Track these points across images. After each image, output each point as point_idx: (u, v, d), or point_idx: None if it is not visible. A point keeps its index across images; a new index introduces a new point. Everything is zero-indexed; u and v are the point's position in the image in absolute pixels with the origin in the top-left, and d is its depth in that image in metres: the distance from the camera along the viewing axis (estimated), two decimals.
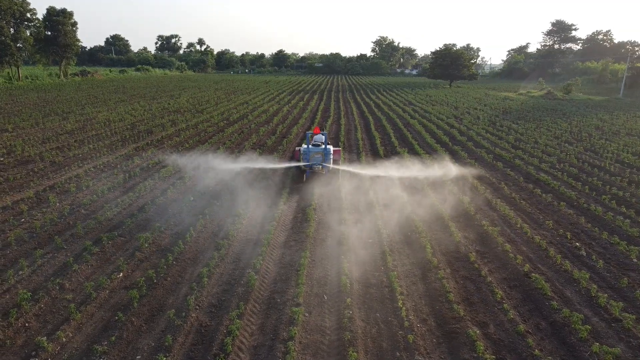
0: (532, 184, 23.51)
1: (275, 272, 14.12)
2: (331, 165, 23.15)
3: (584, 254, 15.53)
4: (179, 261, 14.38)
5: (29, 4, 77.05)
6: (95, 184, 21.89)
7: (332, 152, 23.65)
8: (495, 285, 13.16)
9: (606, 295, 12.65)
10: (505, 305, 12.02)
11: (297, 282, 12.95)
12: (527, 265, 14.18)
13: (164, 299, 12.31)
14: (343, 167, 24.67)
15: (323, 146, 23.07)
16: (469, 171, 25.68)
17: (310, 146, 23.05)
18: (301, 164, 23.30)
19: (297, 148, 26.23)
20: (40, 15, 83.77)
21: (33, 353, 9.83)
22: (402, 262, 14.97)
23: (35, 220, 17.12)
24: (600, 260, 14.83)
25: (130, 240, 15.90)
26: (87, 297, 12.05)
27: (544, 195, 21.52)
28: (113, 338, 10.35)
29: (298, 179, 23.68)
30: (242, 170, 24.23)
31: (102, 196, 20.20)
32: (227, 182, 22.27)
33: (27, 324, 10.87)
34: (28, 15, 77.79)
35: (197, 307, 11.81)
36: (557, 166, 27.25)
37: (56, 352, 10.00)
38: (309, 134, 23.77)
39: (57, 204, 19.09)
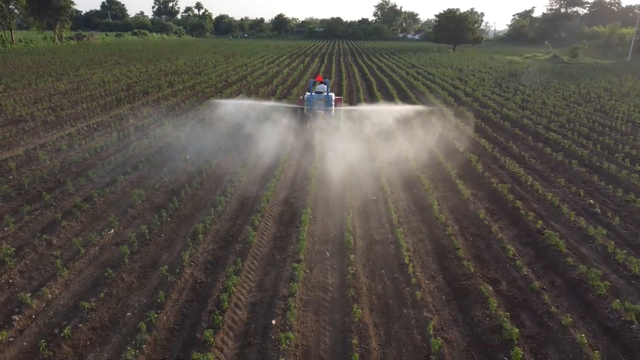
0: (542, 143, 22.62)
1: (275, 229, 13.44)
2: (333, 109, 23.58)
3: (599, 211, 14.81)
4: (173, 218, 13.68)
5: None
6: (88, 143, 21.06)
7: (334, 99, 24.01)
8: (506, 242, 12.47)
9: (624, 252, 11.98)
10: (517, 262, 11.35)
11: (298, 238, 12.26)
12: (540, 222, 13.47)
13: (156, 255, 11.65)
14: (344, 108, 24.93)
15: (325, 94, 23.49)
16: (476, 131, 24.82)
17: (313, 94, 23.56)
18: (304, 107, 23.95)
19: (300, 97, 26.34)
20: None
21: (16, 310, 9.20)
22: (408, 219, 14.27)
23: (24, 177, 16.35)
24: (616, 217, 14.12)
25: (122, 197, 15.18)
26: (76, 253, 11.39)
27: (554, 153, 20.67)
28: (102, 295, 9.71)
29: (301, 128, 23.64)
30: (242, 126, 23.45)
31: (95, 154, 19.40)
32: (225, 140, 21.43)
33: (10, 281, 10.23)
34: None
35: (192, 263, 11.15)
36: (566, 126, 26.30)
37: (41, 309, 9.38)
38: (312, 82, 24.52)
39: (47, 162, 18.30)
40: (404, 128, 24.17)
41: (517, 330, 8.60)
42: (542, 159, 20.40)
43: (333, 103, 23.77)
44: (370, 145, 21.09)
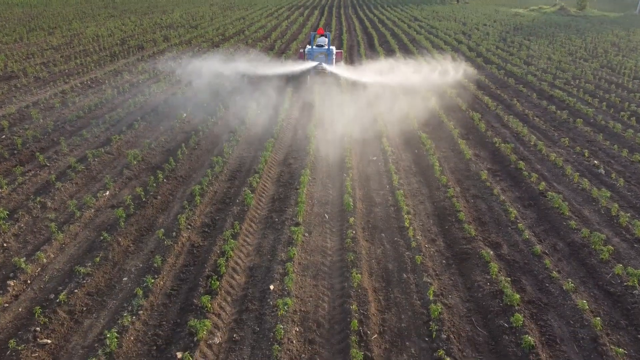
0: (546, 100, 22.09)
1: (274, 190, 13.22)
2: (334, 65, 23.85)
3: (603, 172, 14.55)
4: (169, 179, 13.44)
5: None
6: (82, 100, 20.56)
7: (334, 52, 24.32)
8: (508, 204, 12.27)
9: (628, 214, 11.82)
10: (519, 225, 11.19)
11: (297, 200, 12.06)
12: (543, 183, 13.23)
13: (153, 218, 11.48)
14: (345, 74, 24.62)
15: (326, 47, 23.66)
16: (479, 88, 24.24)
17: (314, 47, 23.67)
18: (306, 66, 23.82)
19: (301, 50, 26.42)
20: None
21: (11, 274, 9.08)
22: (409, 181, 14.04)
23: (17, 136, 15.97)
24: (621, 179, 13.86)
25: (118, 157, 14.91)
26: (71, 216, 11.22)
27: (558, 112, 20.21)
28: (97, 259, 9.58)
29: (301, 82, 23.73)
30: (238, 81, 22.97)
31: (89, 112, 18.96)
32: (222, 96, 20.93)
33: (4, 244, 10.09)
34: None
35: (189, 226, 10.98)
36: (571, 82, 25.64)
37: (36, 273, 9.27)
38: (313, 35, 24.79)
39: (41, 121, 17.88)
40: (405, 85, 23.53)
41: (517, 296, 8.51)
42: (546, 117, 19.96)
43: (334, 57, 23.94)
44: (371, 102, 20.59)
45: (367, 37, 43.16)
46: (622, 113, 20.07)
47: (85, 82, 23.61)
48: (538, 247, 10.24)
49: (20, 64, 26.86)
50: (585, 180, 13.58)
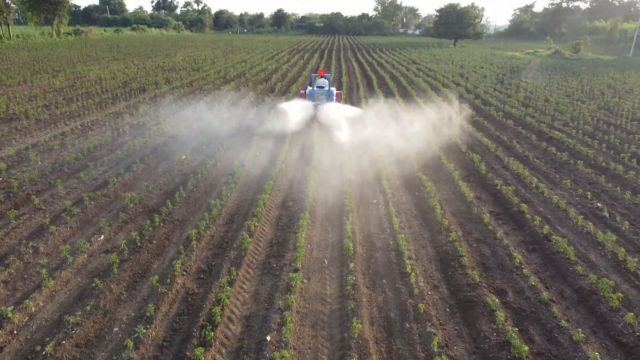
0: (546, 141, 22.08)
1: (272, 234, 12.94)
2: (334, 105, 24.43)
3: (607, 215, 14.31)
4: (166, 223, 13.19)
5: None
6: (82, 142, 20.55)
7: (334, 93, 25.27)
8: (512, 248, 11.98)
9: (636, 259, 11.48)
10: (524, 270, 10.85)
11: (295, 245, 11.78)
12: (546, 227, 12.97)
13: (147, 263, 11.16)
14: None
15: (327, 88, 24.44)
16: (479, 129, 24.32)
17: (314, 88, 24.60)
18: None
19: (302, 91, 27.24)
20: None
21: None
22: (410, 224, 13.78)
23: (14, 179, 15.82)
24: (625, 222, 13.60)
25: (114, 200, 14.69)
26: (63, 261, 10.91)
27: (558, 153, 20.15)
28: (88, 307, 9.23)
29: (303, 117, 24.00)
30: (239, 126, 23.07)
31: (88, 154, 18.90)
32: (222, 138, 20.91)
33: None
34: None
35: (184, 272, 10.66)
36: (570, 124, 25.75)
37: (23, 323, 8.89)
38: (314, 77, 25.61)
39: (39, 163, 17.78)
40: (405, 127, 23.62)
41: (526, 347, 8.13)
42: (546, 158, 19.89)
43: (334, 97, 24.77)
44: (370, 143, 20.58)
45: (367, 79, 43.84)
46: (622, 155, 20.00)
47: (85, 124, 23.70)
48: (545, 294, 9.89)
49: (22, 106, 27.08)
50: (590, 223, 13.33)
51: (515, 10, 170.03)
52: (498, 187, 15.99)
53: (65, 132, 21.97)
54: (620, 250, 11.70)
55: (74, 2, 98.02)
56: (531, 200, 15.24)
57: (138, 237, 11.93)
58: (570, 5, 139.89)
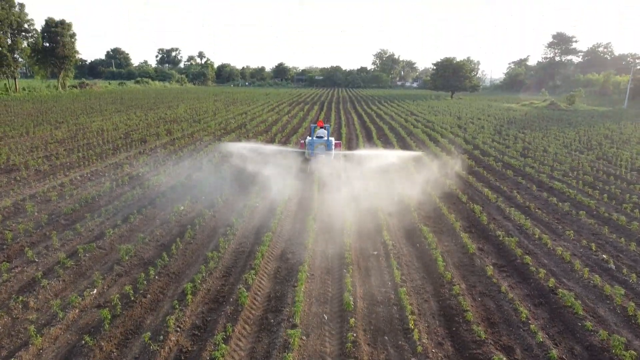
0: (546, 192, 21.97)
1: (270, 288, 12.57)
2: (333, 153, 25.16)
3: (613, 267, 13.99)
4: (161, 276, 12.84)
5: (26, 14, 76.21)
6: (80, 193, 20.41)
7: (333, 143, 25.72)
8: (518, 302, 11.59)
9: None
10: (532, 326, 10.45)
11: (294, 299, 11.40)
12: (552, 279, 12.63)
13: (140, 319, 10.76)
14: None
15: (326, 137, 25.01)
16: (479, 180, 24.26)
17: (314, 138, 25.12)
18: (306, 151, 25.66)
19: (301, 141, 28.00)
20: (38, 27, 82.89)
21: None
22: (412, 277, 13.43)
23: (8, 230, 15.60)
24: (633, 274, 13.27)
25: (110, 252, 14.39)
26: (53, 317, 10.53)
27: (560, 203, 20.00)
28: None
29: (302, 170, 24.77)
30: (239, 177, 23.04)
31: (85, 205, 18.74)
32: (221, 188, 20.80)
33: None
34: (26, 26, 76.90)
35: (178, 328, 10.25)
36: (570, 174, 25.74)
37: None
38: (314, 127, 26.32)
39: (35, 214, 17.58)
40: (405, 176, 23.62)
41: None
42: (548, 209, 19.70)
43: (333, 147, 25.29)
44: (370, 194, 20.46)
45: (366, 130, 44.30)
46: (624, 205, 19.83)
47: (85, 175, 23.68)
48: (554, 352, 9.45)
49: (23, 157, 27.18)
50: (596, 276, 12.99)
51: (509, 63, 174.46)
52: (500, 238, 15.73)
53: (64, 183, 21.90)
54: (629, 305, 11.33)
55: (80, 56, 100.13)
56: (535, 252, 14.95)
57: (132, 291, 11.57)
58: (563, 59, 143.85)
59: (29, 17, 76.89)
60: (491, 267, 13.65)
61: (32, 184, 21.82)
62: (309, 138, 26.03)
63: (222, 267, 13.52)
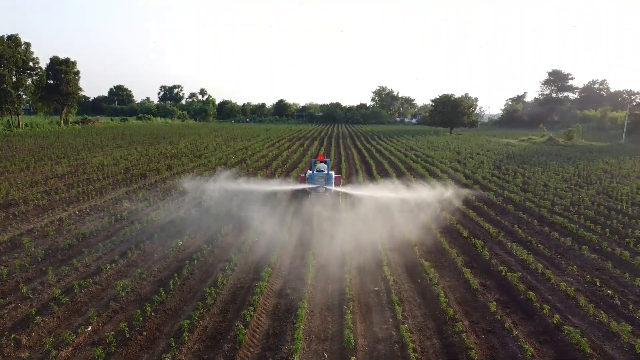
0: (548, 226, 21.84)
1: (268, 324, 12.30)
2: (333, 188, 25.40)
3: (619, 303, 13.73)
4: (158, 312, 12.59)
5: (32, 53, 77.71)
6: (78, 228, 20.27)
7: (333, 177, 26.19)
8: (522, 340, 11.30)
9: None
10: None
11: (293, 337, 11.13)
12: (557, 316, 12.38)
13: (136, 357, 10.46)
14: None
15: (326, 171, 25.36)
16: (479, 214, 24.15)
17: (314, 171, 25.47)
18: (307, 186, 25.69)
19: (302, 175, 28.39)
20: (43, 65, 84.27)
21: None
22: (414, 313, 13.16)
23: (3, 266, 15.40)
24: (639, 310, 13.01)
25: (106, 288, 14.16)
26: (45, 356, 10.24)
27: (562, 238, 19.83)
28: None
29: (302, 203, 25.12)
30: (236, 208, 22.99)
31: (83, 240, 18.57)
32: (220, 223, 20.68)
33: None
34: (31, 64, 78.30)
35: None
36: (571, 209, 25.63)
37: None
38: (314, 161, 26.78)
39: (32, 249, 17.41)
40: (405, 211, 23.53)
41: None
42: (550, 244, 19.52)
43: (333, 181, 25.68)
44: (371, 228, 20.31)
45: (366, 165, 44.42)
46: (627, 239, 19.66)
47: (84, 210, 23.57)
48: None
49: (22, 192, 27.14)
50: (602, 312, 12.73)
51: (507, 100, 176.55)
52: (503, 274, 15.50)
53: (63, 218, 21.78)
54: (637, 342, 11.06)
55: (83, 93, 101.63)
56: (538, 288, 14.71)
57: (127, 329, 11.31)
58: (560, 96, 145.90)
59: (34, 56, 78.40)
60: (494, 303, 13.40)
61: (31, 218, 21.69)
62: (309, 172, 26.43)
63: (220, 303, 13.27)
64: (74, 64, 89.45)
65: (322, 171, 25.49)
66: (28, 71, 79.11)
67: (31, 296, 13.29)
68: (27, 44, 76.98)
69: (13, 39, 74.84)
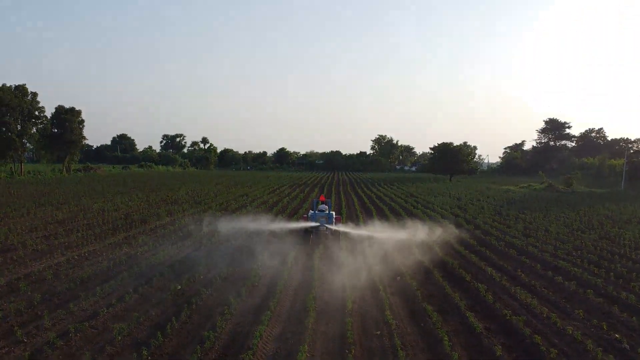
0: (551, 271, 21.56)
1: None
2: (334, 227, 26.77)
3: (627, 347, 13.38)
4: (154, 357, 12.25)
5: (38, 102, 79.41)
6: (76, 272, 20.04)
7: (334, 217, 27.70)
8: None
9: None
10: None
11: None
12: None
13: None
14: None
15: (327, 211, 26.95)
16: (481, 259, 23.93)
17: (316, 211, 26.93)
18: (309, 224, 27.01)
19: (304, 215, 29.91)
20: (48, 113, 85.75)
21: None
22: (417, 357, 12.81)
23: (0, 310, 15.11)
24: None
25: (102, 332, 13.86)
26: None
27: (566, 282, 19.55)
28: None
29: (304, 241, 26.31)
30: (236, 252, 22.91)
31: (81, 284, 18.33)
32: (220, 267, 20.50)
33: None
34: (36, 113, 79.82)
35: None
36: (573, 253, 25.38)
37: None
38: (315, 201, 28.40)
39: (29, 293, 17.13)
40: (407, 254, 23.33)
41: None
42: (554, 288, 19.23)
43: (334, 220, 27.09)
44: (372, 272, 20.09)
45: (366, 211, 44.36)
46: (632, 284, 19.39)
47: (82, 254, 23.37)
48: None
49: (21, 236, 27.01)
50: (611, 356, 12.39)
51: (505, 148, 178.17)
52: (507, 318, 15.19)
53: (61, 262, 21.58)
54: None
55: (87, 141, 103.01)
56: (544, 332, 14.37)
57: None
58: (558, 144, 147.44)
59: (40, 105, 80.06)
60: (500, 347, 13.05)
61: (28, 263, 21.50)
62: (311, 212, 27.74)
63: (219, 347, 12.95)
64: (78, 112, 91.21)
65: (323, 211, 26.91)
66: (33, 120, 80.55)
67: (25, 340, 12.99)
68: (34, 94, 78.86)
69: (20, 89, 76.72)
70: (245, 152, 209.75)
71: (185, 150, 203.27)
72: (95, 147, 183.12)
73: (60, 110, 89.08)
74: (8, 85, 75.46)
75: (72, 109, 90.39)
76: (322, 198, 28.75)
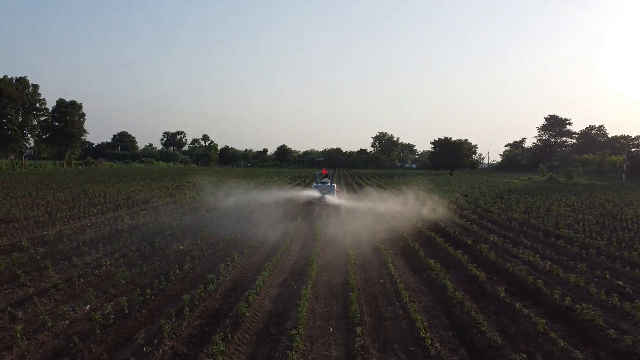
0: (554, 238, 21.53)
1: (271, 307, 11.96)
2: (335, 198, 27.75)
3: (631, 291, 13.38)
4: (158, 297, 12.26)
5: (39, 95, 79.39)
6: (78, 236, 20.04)
7: (335, 188, 29.21)
8: (534, 317, 10.93)
9: None
10: (551, 334, 9.78)
11: (296, 315, 10.73)
12: (568, 299, 12.02)
13: (134, 329, 10.13)
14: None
15: (329, 183, 28.77)
16: (482, 228, 23.95)
17: (319, 183, 28.82)
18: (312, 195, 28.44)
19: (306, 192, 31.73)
20: (50, 107, 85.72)
21: None
22: (419, 298, 12.87)
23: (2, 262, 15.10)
24: None
25: (106, 279, 13.87)
26: (42, 325, 9.90)
27: (568, 246, 19.53)
28: None
29: (308, 211, 27.17)
30: (241, 216, 22.89)
31: (84, 245, 18.32)
32: (223, 232, 20.48)
33: None
34: (37, 105, 79.78)
35: (174, 336, 9.60)
36: (575, 226, 25.33)
37: None
38: (318, 174, 30.51)
39: (31, 250, 17.14)
40: (406, 219, 23.33)
41: None
42: (557, 250, 19.21)
43: (335, 192, 28.21)
44: (374, 231, 20.10)
45: (366, 195, 44.30)
46: (635, 246, 19.36)
47: (85, 225, 23.36)
48: (578, 354, 8.76)
49: (24, 211, 26.98)
50: (615, 295, 12.38)
51: (506, 146, 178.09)
52: (510, 270, 15.18)
53: (63, 230, 21.56)
54: None
55: (88, 135, 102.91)
56: (547, 281, 14.35)
57: (126, 305, 10.99)
58: (558, 141, 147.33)
59: (41, 97, 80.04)
60: (503, 291, 13.05)
61: (31, 230, 21.49)
62: (314, 184, 29.36)
63: (222, 290, 12.98)
64: (79, 106, 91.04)
65: (325, 183, 28.23)
66: (34, 112, 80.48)
67: (29, 284, 12.99)
68: (35, 86, 78.82)
69: (21, 81, 76.66)
70: (246, 149, 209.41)
71: (185, 147, 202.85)
72: (95, 144, 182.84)
73: (61, 104, 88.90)
74: (9, 77, 75.54)
75: (73, 102, 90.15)
76: (324, 171, 30.17)
